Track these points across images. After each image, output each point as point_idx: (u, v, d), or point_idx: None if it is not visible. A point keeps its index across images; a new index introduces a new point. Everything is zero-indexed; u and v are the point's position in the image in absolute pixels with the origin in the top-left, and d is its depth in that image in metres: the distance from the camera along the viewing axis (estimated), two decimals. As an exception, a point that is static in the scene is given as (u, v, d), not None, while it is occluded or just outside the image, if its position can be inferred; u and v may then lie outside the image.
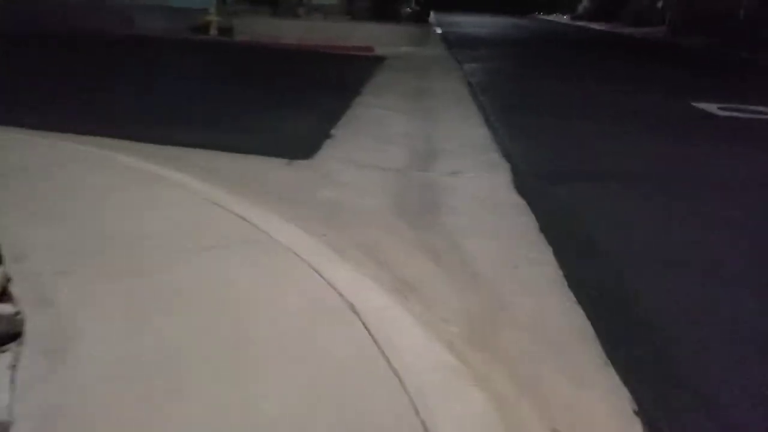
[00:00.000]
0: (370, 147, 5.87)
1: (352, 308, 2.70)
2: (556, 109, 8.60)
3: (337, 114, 7.10)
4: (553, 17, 45.44)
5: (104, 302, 2.59)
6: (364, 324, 2.59)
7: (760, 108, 8.91)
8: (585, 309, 3.00)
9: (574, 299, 3.10)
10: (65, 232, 3.23)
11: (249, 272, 2.96)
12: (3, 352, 2.26)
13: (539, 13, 49.89)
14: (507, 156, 5.73)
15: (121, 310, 2.54)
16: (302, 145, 5.65)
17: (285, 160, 5.17)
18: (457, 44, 18.13)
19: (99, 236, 3.22)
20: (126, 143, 5.38)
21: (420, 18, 18.89)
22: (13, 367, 2.16)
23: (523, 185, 4.83)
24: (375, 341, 2.48)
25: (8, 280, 2.68)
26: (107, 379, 2.12)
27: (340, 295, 2.81)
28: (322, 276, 2.99)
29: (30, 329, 2.37)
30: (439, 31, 22.41)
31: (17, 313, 2.42)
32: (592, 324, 2.87)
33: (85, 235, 3.23)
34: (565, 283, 3.27)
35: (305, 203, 4.22)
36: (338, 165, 5.17)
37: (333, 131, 6.35)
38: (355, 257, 3.39)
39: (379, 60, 12.76)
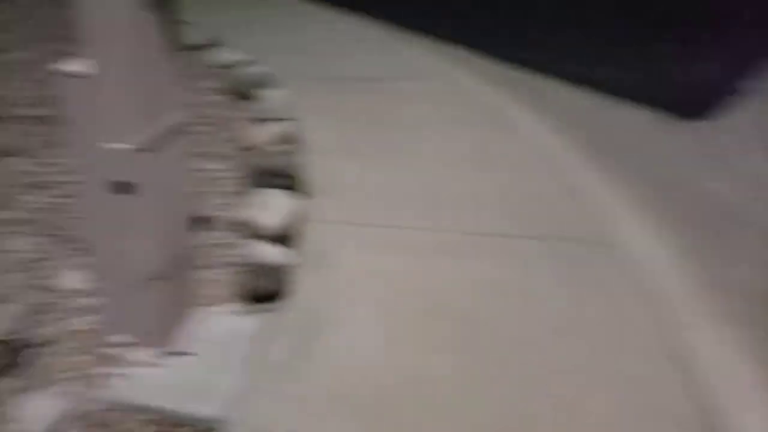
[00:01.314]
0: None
1: None
2: None
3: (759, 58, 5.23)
4: None
5: (368, 293, 2.12)
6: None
7: None
8: None
9: None
10: (384, 175, 2.85)
11: (575, 300, 2.13)
12: (254, 312, 1.97)
13: None
14: None
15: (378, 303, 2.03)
16: (698, 100, 4.24)
17: (671, 119, 3.92)
18: None
19: (420, 192, 2.74)
20: (492, 66, 4.82)
21: None
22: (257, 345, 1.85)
23: None
24: None
25: (302, 219, 2.41)
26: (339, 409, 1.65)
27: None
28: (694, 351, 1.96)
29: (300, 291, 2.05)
30: None
31: (284, 269, 2.10)
32: None
33: (406, 191, 2.77)
34: None
35: (676, 203, 3.00)
36: (745, 143, 3.69)
37: (748, 85, 4.66)
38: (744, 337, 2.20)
39: None
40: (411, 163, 2.98)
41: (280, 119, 3.15)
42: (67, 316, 1.86)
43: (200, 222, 2.34)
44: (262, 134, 2.98)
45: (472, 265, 2.26)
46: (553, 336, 1.93)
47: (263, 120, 3.21)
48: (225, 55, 4.00)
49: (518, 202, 2.70)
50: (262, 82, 3.57)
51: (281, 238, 2.29)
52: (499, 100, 3.89)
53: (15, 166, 2.62)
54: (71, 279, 2.00)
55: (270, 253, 2.14)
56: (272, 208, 2.34)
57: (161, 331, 1.77)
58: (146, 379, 1.70)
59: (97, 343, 1.78)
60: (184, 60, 3.91)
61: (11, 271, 2.01)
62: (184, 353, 1.79)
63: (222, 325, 1.91)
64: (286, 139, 3.01)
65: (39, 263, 2.07)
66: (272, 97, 3.37)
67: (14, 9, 4.69)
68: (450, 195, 2.72)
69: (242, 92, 3.53)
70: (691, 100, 4.24)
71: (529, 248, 2.38)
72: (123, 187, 1.55)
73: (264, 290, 2.03)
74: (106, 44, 1.41)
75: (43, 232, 2.23)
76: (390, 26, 5.62)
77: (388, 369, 1.78)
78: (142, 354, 1.76)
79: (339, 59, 4.44)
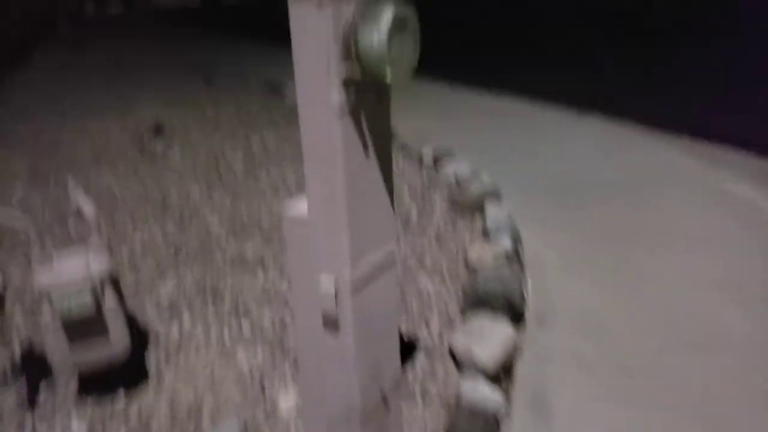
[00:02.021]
0: None
1: None
2: None
3: None
4: None
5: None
6: None
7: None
8: None
9: None
10: (620, 304, 2.54)
11: None
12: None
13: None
14: None
15: None
16: None
17: None
18: None
19: (666, 329, 2.38)
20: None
21: None
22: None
23: None
24: None
25: (515, 351, 2.23)
26: None
27: None
28: None
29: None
30: None
31: (495, 411, 1.92)
32: None
33: (649, 326, 2.44)
34: None
35: None
36: None
37: None
38: None
39: None
40: (657, 291, 2.59)
41: (506, 235, 3.05)
42: (278, 439, 1.92)
43: (411, 349, 2.31)
44: (485, 252, 2.90)
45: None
46: None
47: (488, 236, 3.14)
48: (453, 168, 4.09)
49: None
50: (488, 195, 3.53)
51: (495, 374, 2.12)
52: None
53: (260, 277, 2.93)
54: (288, 398, 2.09)
55: (481, 391, 1.98)
56: (487, 337, 2.20)
57: (362, 471, 1.70)
58: None
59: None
60: (417, 174, 4.16)
61: (237, 384, 2.18)
62: (383, 499, 1.70)
63: (424, 473, 1.79)
64: (510, 258, 2.89)
65: (263, 378, 2.21)
66: (498, 212, 3.30)
67: (280, 134, 5.50)
68: (709, 331, 2.27)
69: (470, 206, 3.53)
70: None
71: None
72: (330, 323, 1.57)
73: (472, 435, 1.86)
74: (321, 187, 1.48)
75: (273, 346, 2.40)
76: (625, 121, 5.24)
77: None
78: (342, 494, 1.71)
79: (568, 163, 4.21)
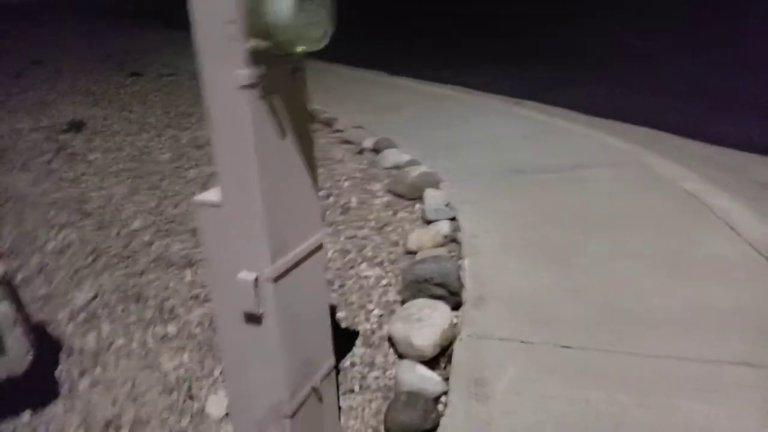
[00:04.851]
0: None
1: None
2: None
3: None
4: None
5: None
6: None
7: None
8: None
9: None
10: (558, 281, 2.57)
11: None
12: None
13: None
14: None
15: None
16: None
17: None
18: None
19: (603, 302, 2.42)
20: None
21: None
22: None
23: None
24: None
25: (452, 335, 2.21)
26: None
27: None
28: None
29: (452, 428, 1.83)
30: None
31: (435, 397, 1.90)
32: None
33: (587, 300, 2.48)
34: None
35: None
36: None
37: None
38: None
39: None
40: (593, 267, 2.64)
41: (444, 220, 3.06)
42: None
43: (350, 339, 2.27)
44: (424, 237, 2.89)
45: (700, 407, 1.83)
46: None
47: (427, 222, 3.14)
48: (393, 157, 4.08)
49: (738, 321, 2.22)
50: (427, 182, 3.53)
51: (434, 359, 2.11)
52: (702, 188, 3.38)
53: (187, 279, 2.83)
54: (218, 404, 2.01)
55: (419, 375, 1.97)
56: (425, 322, 2.18)
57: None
58: None
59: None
60: (357, 164, 4.12)
61: (162, 392, 2.09)
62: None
63: (362, 468, 1.75)
64: (448, 242, 2.89)
65: (191, 384, 2.13)
66: (437, 197, 3.30)
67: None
68: (645, 307, 2.32)
69: (408, 193, 3.52)
70: None
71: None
72: (252, 317, 1.51)
73: (411, 424, 1.84)
74: (234, 173, 1.42)
75: (203, 350, 2.32)
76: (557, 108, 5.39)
77: None
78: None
79: (504, 150, 4.26)
